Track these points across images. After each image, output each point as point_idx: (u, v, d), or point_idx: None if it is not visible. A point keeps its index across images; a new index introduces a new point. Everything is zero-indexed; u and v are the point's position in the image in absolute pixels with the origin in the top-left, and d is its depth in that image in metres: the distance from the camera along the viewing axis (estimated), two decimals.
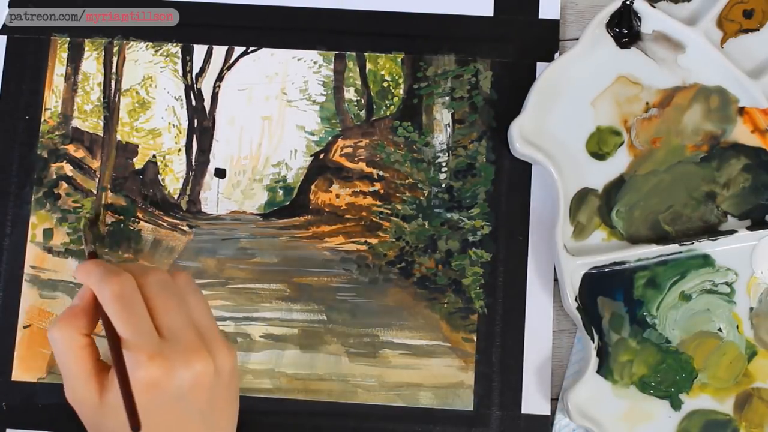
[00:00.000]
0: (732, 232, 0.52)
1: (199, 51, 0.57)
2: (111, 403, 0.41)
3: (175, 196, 0.56)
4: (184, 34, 0.57)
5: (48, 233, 0.55)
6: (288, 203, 0.56)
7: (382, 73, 0.57)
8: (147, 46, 0.57)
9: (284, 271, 0.55)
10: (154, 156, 0.56)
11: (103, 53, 0.57)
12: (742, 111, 0.54)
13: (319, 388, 0.53)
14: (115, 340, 0.41)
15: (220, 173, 0.56)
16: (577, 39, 0.53)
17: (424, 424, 0.53)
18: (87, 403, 0.42)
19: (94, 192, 0.56)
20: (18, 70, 0.57)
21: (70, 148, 0.56)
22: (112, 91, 0.57)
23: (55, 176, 0.56)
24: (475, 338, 0.53)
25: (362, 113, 0.56)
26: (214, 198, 0.56)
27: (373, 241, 0.55)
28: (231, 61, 0.57)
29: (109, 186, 0.56)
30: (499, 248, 0.54)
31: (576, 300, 0.52)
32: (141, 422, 0.39)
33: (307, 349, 0.54)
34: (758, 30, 0.55)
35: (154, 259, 0.55)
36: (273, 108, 0.57)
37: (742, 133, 0.54)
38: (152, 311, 0.42)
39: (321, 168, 0.56)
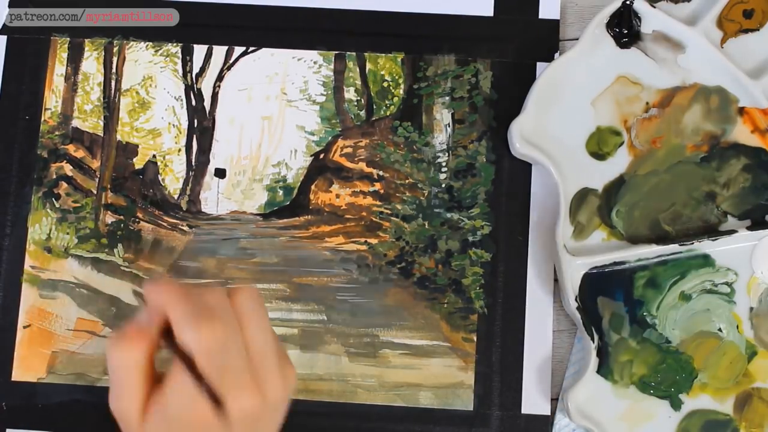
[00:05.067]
0: (732, 232, 0.52)
1: (199, 51, 0.57)
2: (150, 429, 0.39)
3: (175, 196, 0.56)
4: (184, 34, 0.57)
5: (48, 233, 0.55)
6: (288, 203, 0.56)
7: (382, 73, 0.57)
8: (147, 46, 0.57)
9: (284, 271, 0.55)
10: (154, 156, 0.56)
11: (103, 53, 0.57)
12: (742, 111, 0.54)
13: (319, 388, 0.53)
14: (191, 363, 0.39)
15: (220, 173, 0.56)
16: (577, 39, 0.53)
17: (424, 424, 0.53)
18: (131, 420, 0.40)
19: (94, 192, 0.56)
20: (18, 70, 0.57)
21: (70, 148, 0.56)
22: (112, 91, 0.57)
23: (55, 176, 0.56)
24: (475, 338, 0.53)
25: (362, 113, 0.56)
26: (214, 198, 0.56)
27: (373, 241, 0.55)
28: (231, 61, 0.57)
29: (109, 186, 0.56)
30: (499, 248, 0.54)
31: (576, 300, 0.52)
32: None
33: (307, 349, 0.54)
34: (758, 30, 0.55)
35: (154, 259, 0.55)
36: (273, 108, 0.57)
37: (742, 133, 0.54)
38: None
39: (321, 168, 0.56)
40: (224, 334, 0.39)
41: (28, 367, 0.54)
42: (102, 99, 0.57)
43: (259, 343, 0.41)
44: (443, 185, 0.55)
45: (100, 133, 0.56)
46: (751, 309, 0.52)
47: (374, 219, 0.55)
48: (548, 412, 0.53)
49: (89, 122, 0.56)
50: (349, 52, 0.57)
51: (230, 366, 0.40)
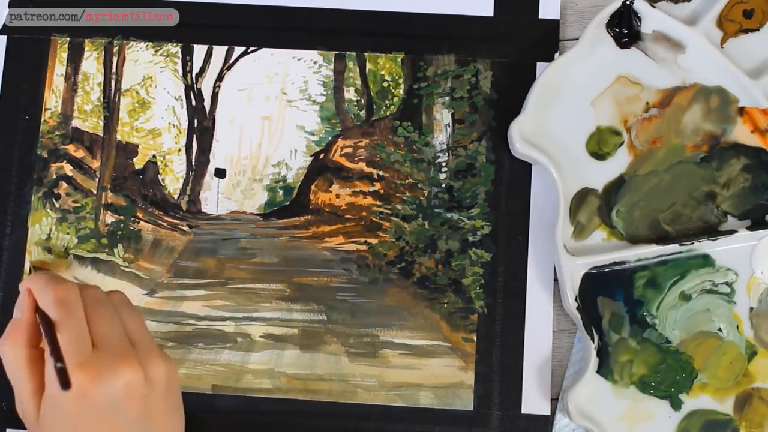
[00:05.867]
0: (732, 232, 0.52)
1: (199, 51, 0.57)
2: (44, 423, 0.41)
3: (175, 196, 0.56)
4: (184, 34, 0.57)
5: (48, 233, 0.55)
6: (288, 203, 0.56)
7: (382, 73, 0.57)
8: (147, 46, 0.57)
9: (284, 271, 0.55)
10: (154, 156, 0.56)
11: (103, 53, 0.57)
12: (742, 111, 0.54)
13: (319, 388, 0.53)
14: (51, 331, 0.41)
15: (220, 173, 0.56)
16: (577, 39, 0.53)
17: (424, 424, 0.53)
18: (29, 419, 0.42)
19: (94, 192, 0.56)
20: (18, 70, 0.57)
21: (70, 148, 0.56)
22: (112, 91, 0.57)
23: (55, 176, 0.56)
24: (475, 338, 0.53)
25: (362, 113, 0.56)
26: (214, 198, 0.56)
27: (373, 241, 0.55)
28: (231, 61, 0.57)
29: (109, 186, 0.56)
30: (499, 248, 0.54)
31: (576, 300, 0.52)
32: (71, 383, 0.39)
33: (307, 349, 0.54)
34: (758, 30, 0.55)
35: (154, 258, 0.55)
36: (273, 108, 0.57)
37: (742, 133, 0.54)
38: (87, 322, 0.42)
39: (321, 168, 0.56)
40: (79, 293, 0.42)
41: None
42: (102, 99, 0.57)
43: (135, 328, 0.43)
44: (443, 185, 0.55)
45: (100, 133, 0.56)
46: (751, 309, 0.52)
47: (374, 219, 0.55)
48: (548, 412, 0.53)
49: (89, 122, 0.56)
50: (349, 52, 0.57)
51: (111, 343, 0.41)
